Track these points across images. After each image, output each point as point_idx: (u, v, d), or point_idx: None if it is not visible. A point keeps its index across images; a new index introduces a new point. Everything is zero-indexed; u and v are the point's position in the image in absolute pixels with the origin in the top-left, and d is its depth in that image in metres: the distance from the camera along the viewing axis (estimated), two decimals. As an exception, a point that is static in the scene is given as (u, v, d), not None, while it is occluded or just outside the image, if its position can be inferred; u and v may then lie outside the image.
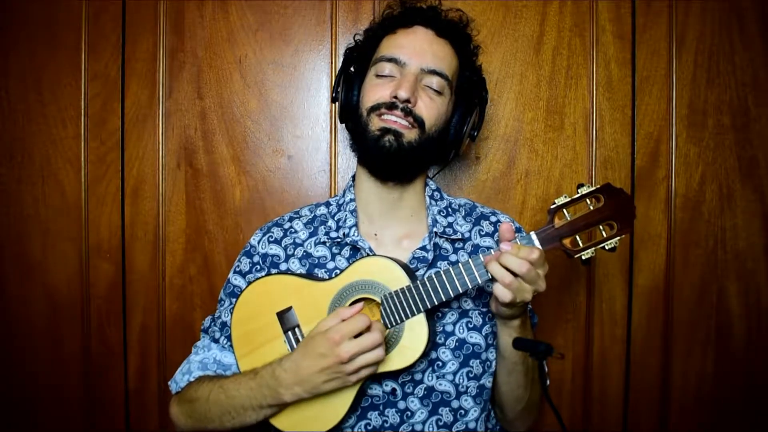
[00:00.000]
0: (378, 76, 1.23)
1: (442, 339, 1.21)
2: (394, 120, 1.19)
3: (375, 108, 1.21)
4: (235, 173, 1.66)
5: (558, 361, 1.64)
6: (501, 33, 1.64)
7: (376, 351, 1.06)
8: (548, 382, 1.40)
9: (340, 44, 1.63)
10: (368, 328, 1.07)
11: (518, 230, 1.34)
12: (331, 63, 1.65)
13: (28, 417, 1.69)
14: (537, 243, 1.09)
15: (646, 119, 1.64)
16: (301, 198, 1.66)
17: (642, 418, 1.66)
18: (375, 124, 1.21)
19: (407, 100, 1.18)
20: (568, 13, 1.64)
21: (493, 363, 1.25)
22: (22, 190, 1.67)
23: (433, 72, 1.22)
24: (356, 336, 1.06)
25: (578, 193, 1.08)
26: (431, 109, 1.21)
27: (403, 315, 1.12)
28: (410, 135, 1.20)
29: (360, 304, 1.10)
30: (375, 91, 1.22)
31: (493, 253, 1.09)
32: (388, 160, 1.20)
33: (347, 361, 1.04)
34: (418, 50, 1.22)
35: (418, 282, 1.12)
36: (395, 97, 1.19)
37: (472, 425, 1.20)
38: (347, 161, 1.66)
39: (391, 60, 1.22)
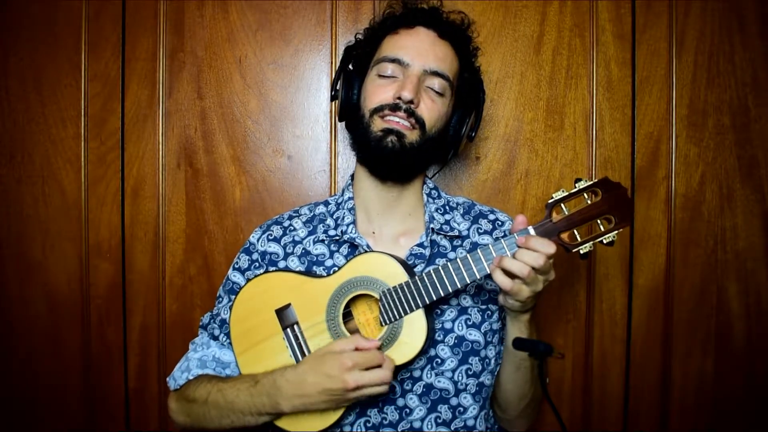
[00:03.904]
0: (380, 76, 1.24)
1: (441, 336, 1.21)
2: (397, 121, 1.20)
3: (378, 110, 1.21)
4: (235, 173, 1.67)
5: (558, 361, 1.64)
6: (501, 33, 1.64)
7: (382, 387, 1.08)
8: (548, 380, 1.40)
9: (340, 44, 1.63)
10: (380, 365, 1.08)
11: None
12: (331, 63, 1.65)
13: (28, 417, 1.69)
14: None
15: (646, 119, 1.64)
16: (301, 198, 1.66)
17: (642, 418, 1.66)
18: (377, 125, 1.21)
19: (410, 101, 1.19)
20: (568, 13, 1.64)
21: (492, 360, 1.25)
22: (22, 190, 1.67)
23: (436, 73, 1.22)
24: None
25: (576, 187, 1.08)
26: (432, 110, 1.22)
27: (401, 311, 1.12)
28: (412, 136, 1.20)
29: (377, 341, 1.11)
30: (378, 93, 1.22)
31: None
32: (390, 160, 1.20)
33: (352, 389, 1.06)
34: (420, 51, 1.22)
35: (416, 278, 1.12)
36: (399, 98, 1.19)
37: (470, 423, 1.20)
38: (347, 161, 1.66)
39: (394, 60, 1.23)
